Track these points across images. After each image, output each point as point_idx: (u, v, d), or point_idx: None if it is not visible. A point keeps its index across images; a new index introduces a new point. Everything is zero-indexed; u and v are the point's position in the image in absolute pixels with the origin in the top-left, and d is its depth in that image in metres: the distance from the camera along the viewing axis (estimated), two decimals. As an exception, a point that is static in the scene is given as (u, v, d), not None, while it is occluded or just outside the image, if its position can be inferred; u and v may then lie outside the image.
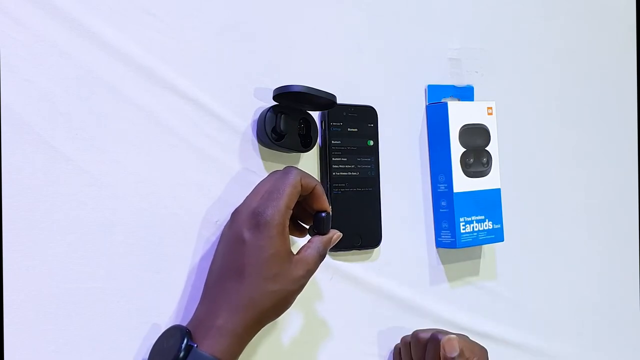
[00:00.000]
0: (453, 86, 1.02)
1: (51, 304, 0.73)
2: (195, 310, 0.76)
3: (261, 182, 0.79)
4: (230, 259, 0.75)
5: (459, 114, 0.98)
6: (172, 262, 0.80)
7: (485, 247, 1.05)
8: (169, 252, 0.80)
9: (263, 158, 0.86)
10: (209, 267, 0.79)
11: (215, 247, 0.80)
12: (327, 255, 0.89)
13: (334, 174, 0.90)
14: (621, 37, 1.26)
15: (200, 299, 0.77)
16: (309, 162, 0.90)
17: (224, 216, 0.82)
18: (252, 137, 0.85)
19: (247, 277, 0.73)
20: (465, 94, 1.03)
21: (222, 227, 0.80)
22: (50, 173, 0.73)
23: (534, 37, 1.14)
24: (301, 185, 0.77)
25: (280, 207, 0.75)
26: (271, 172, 0.80)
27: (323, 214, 0.80)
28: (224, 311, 0.73)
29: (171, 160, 0.80)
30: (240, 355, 0.74)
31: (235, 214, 0.77)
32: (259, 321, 0.74)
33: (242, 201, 0.79)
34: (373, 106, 0.94)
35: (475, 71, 1.05)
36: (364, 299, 0.93)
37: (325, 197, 0.80)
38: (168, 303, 0.79)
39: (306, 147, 0.87)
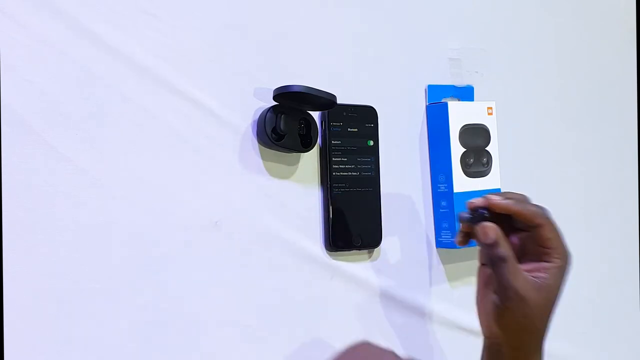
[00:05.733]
0: (453, 86, 1.02)
1: (51, 304, 0.73)
2: None
3: None
4: None
5: (459, 114, 0.98)
6: (171, 262, 0.80)
7: (485, 247, 1.05)
8: (168, 252, 0.80)
9: (263, 158, 0.86)
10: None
11: (215, 247, 0.81)
12: (327, 255, 0.89)
13: (334, 174, 0.90)
14: (621, 37, 1.26)
15: None
16: (309, 162, 0.90)
17: (224, 216, 0.82)
18: (252, 137, 0.85)
19: None
20: (465, 94, 1.03)
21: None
22: (50, 173, 0.73)
23: (534, 37, 1.13)
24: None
25: None
26: None
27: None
28: None
29: (171, 160, 0.80)
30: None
31: None
32: None
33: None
34: (373, 106, 0.94)
35: (475, 71, 1.05)
36: (364, 299, 0.93)
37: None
38: (168, 303, 0.79)
39: (306, 147, 0.87)
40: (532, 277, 0.76)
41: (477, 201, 0.78)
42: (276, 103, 0.85)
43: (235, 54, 0.85)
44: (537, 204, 0.78)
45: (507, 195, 0.79)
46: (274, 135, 0.84)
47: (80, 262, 0.74)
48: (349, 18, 0.94)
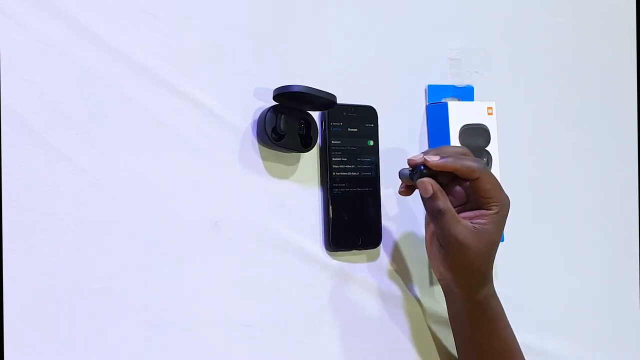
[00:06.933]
0: (453, 86, 1.02)
1: (51, 304, 0.73)
2: None
3: None
4: None
5: (459, 114, 0.98)
6: (171, 262, 0.80)
7: (485, 247, 1.05)
8: (168, 252, 0.80)
9: (263, 158, 0.86)
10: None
11: (215, 247, 0.81)
12: (327, 255, 0.89)
13: (334, 174, 0.90)
14: (621, 37, 1.26)
15: None
16: (309, 162, 0.90)
17: (224, 216, 0.82)
18: (252, 137, 0.85)
19: None
20: (465, 94, 1.03)
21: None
22: (50, 173, 0.73)
23: (534, 37, 1.13)
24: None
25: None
26: None
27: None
28: None
29: (171, 160, 0.80)
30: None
31: None
32: None
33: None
34: (373, 106, 0.94)
35: (475, 71, 1.05)
36: (364, 299, 0.93)
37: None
38: (168, 303, 0.79)
39: (306, 147, 0.87)
40: (472, 223, 0.84)
41: (417, 158, 0.85)
42: (276, 103, 0.85)
43: (235, 54, 0.85)
44: (474, 158, 0.86)
45: (444, 151, 0.86)
46: (274, 135, 0.84)
47: (80, 262, 0.74)
48: (349, 18, 0.94)
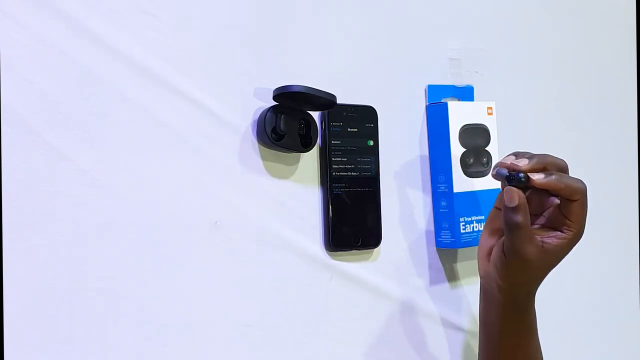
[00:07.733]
0: (453, 86, 1.02)
1: (51, 304, 0.73)
2: None
3: None
4: None
5: (459, 114, 0.98)
6: (171, 263, 0.80)
7: (485, 247, 1.05)
8: (168, 252, 0.80)
9: (263, 158, 0.86)
10: None
11: (215, 247, 0.81)
12: (327, 255, 0.89)
13: (334, 174, 0.90)
14: (621, 37, 1.26)
15: None
16: (309, 162, 0.90)
17: (224, 216, 0.82)
18: (252, 137, 0.85)
19: None
20: (465, 94, 1.03)
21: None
22: (50, 173, 0.73)
23: (534, 37, 1.14)
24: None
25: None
26: None
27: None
28: None
29: (171, 160, 0.80)
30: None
31: None
32: None
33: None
34: (373, 106, 0.94)
35: (475, 71, 1.05)
36: (364, 299, 0.93)
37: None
38: (168, 303, 0.79)
39: (306, 147, 0.87)
40: (542, 240, 0.81)
41: (521, 165, 0.82)
42: (276, 103, 0.85)
43: (235, 54, 0.85)
44: (575, 177, 0.83)
45: (546, 163, 0.82)
46: (274, 135, 0.84)
47: (80, 262, 0.74)
48: (349, 18, 0.94)
